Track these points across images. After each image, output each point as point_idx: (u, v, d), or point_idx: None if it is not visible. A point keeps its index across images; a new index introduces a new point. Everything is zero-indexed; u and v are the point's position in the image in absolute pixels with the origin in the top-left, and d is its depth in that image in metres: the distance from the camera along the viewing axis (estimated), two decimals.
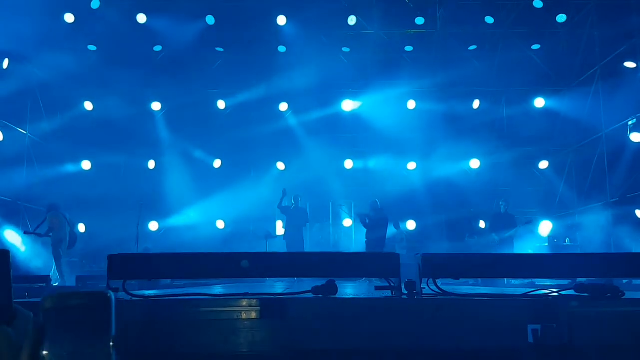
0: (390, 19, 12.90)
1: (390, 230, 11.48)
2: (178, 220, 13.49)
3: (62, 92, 13.13)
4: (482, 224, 13.46)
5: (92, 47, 13.33)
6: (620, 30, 12.24)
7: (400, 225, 12.42)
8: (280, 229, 12.86)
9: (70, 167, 13.66)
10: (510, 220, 10.85)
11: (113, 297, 1.17)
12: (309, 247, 12.52)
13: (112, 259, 3.71)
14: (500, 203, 11.16)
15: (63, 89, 13.09)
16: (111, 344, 1.15)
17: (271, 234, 12.02)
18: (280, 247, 12.36)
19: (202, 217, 13.52)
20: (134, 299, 3.65)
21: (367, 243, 10.85)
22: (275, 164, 14.18)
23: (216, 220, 13.79)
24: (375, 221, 10.72)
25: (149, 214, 12.90)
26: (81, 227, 13.47)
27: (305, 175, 13.50)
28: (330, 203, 13.98)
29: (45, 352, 1.13)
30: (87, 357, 1.13)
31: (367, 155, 14.03)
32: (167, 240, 13.09)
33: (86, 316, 1.14)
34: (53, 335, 1.13)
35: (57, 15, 12.50)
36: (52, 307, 1.14)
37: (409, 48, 13.28)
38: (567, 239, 12.35)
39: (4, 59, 11.76)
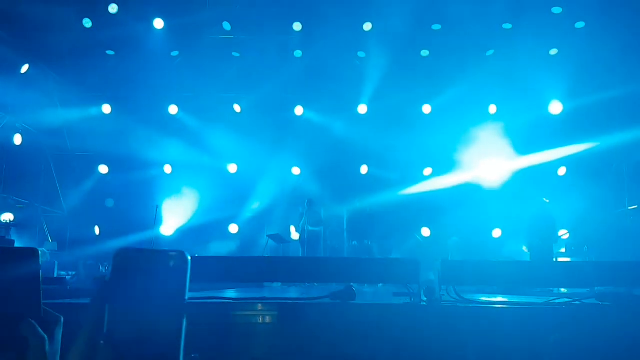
0: (406, 24, 12.88)
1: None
2: (192, 223, 13.54)
3: (80, 96, 13.29)
4: (497, 233, 13.33)
5: (110, 52, 13.48)
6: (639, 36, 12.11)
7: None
8: (294, 233, 12.86)
9: (87, 171, 13.79)
10: (551, 222, 10.12)
11: (189, 260, 1.12)
12: (323, 252, 12.50)
13: None
14: (543, 200, 10.56)
15: (81, 93, 13.25)
16: (183, 311, 1.09)
17: (285, 239, 12.01)
18: (295, 252, 12.36)
19: (216, 221, 13.56)
20: None
21: None
22: (290, 168, 14.20)
23: (230, 223, 13.84)
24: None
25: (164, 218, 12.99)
26: (96, 229, 13.60)
27: (320, 180, 13.52)
28: (345, 208, 13.94)
29: (108, 314, 1.07)
30: (154, 322, 1.07)
31: (383, 160, 13.98)
32: (181, 243, 13.15)
33: (159, 277, 1.08)
34: (119, 296, 1.08)
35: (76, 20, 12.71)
36: (122, 264, 1.09)
37: (425, 53, 13.25)
38: (585, 246, 12.18)
39: (23, 64, 11.95)
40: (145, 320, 1.02)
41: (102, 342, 1.02)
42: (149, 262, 1.07)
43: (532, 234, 10.18)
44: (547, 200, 10.48)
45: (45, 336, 1.08)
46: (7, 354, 1.07)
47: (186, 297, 1.08)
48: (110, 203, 13.32)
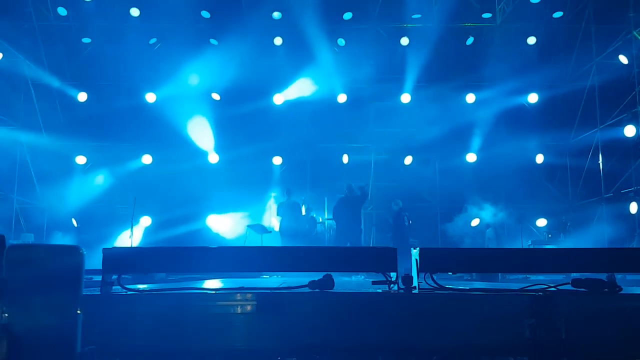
0: (386, 13, 12.89)
1: None
2: (172, 215, 13.37)
3: (56, 84, 13.05)
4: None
5: (86, 40, 13.24)
6: (615, 26, 12.29)
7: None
8: (275, 223, 12.82)
9: (65, 162, 13.52)
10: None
11: (84, 254, 1.12)
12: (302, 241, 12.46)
13: (106, 252, 3.65)
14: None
15: (56, 81, 13.01)
16: (78, 304, 1.09)
17: (266, 229, 11.97)
18: (275, 242, 12.33)
19: (196, 212, 13.42)
20: (129, 292, 3.61)
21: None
22: (272, 158, 14.12)
23: (209, 214, 13.71)
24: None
25: (143, 209, 12.80)
26: (73, 222, 13.38)
27: (301, 169, 13.50)
28: (326, 198, 13.92)
29: (4, 308, 1.07)
30: (51, 314, 1.07)
31: (364, 150, 14.00)
32: (161, 235, 12.99)
33: (53, 271, 1.08)
34: (15, 289, 1.07)
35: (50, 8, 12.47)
36: (15, 259, 1.09)
37: (404, 41, 13.27)
38: (562, 234, 12.38)
39: None
40: (40, 313, 1.02)
41: None
42: (41, 257, 1.07)
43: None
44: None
45: None
46: None
47: (82, 290, 1.08)
48: (88, 194, 13.09)
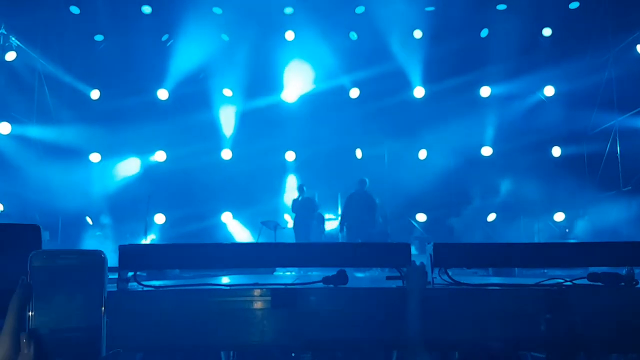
0: (399, 6, 12.82)
1: None
2: (186, 212, 13.46)
3: (69, 82, 13.16)
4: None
5: (98, 37, 13.35)
6: (633, 17, 12.10)
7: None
8: (290, 220, 12.87)
9: (78, 159, 13.66)
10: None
11: (106, 258, 1.15)
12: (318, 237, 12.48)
13: (122, 249, 3.67)
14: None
15: (70, 79, 13.13)
16: (102, 307, 1.13)
17: (280, 225, 12.02)
18: (289, 238, 12.38)
19: (210, 209, 13.50)
20: (145, 289, 3.63)
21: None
22: (284, 153, 14.13)
23: (223, 212, 13.77)
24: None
25: (157, 206, 12.90)
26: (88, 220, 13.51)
27: (315, 165, 13.49)
28: (339, 194, 13.92)
29: (30, 312, 1.11)
30: (75, 318, 1.11)
31: (377, 144, 13.95)
32: (175, 232, 13.08)
33: (77, 275, 1.12)
34: (40, 294, 1.11)
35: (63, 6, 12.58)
36: (40, 265, 1.12)
37: (418, 34, 13.21)
38: (579, 228, 12.25)
39: (9, 51, 11.80)
40: (64, 317, 1.06)
41: (24, 339, 1.06)
42: (65, 262, 1.11)
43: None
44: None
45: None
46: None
47: (105, 294, 1.12)
48: (102, 192, 13.21)
